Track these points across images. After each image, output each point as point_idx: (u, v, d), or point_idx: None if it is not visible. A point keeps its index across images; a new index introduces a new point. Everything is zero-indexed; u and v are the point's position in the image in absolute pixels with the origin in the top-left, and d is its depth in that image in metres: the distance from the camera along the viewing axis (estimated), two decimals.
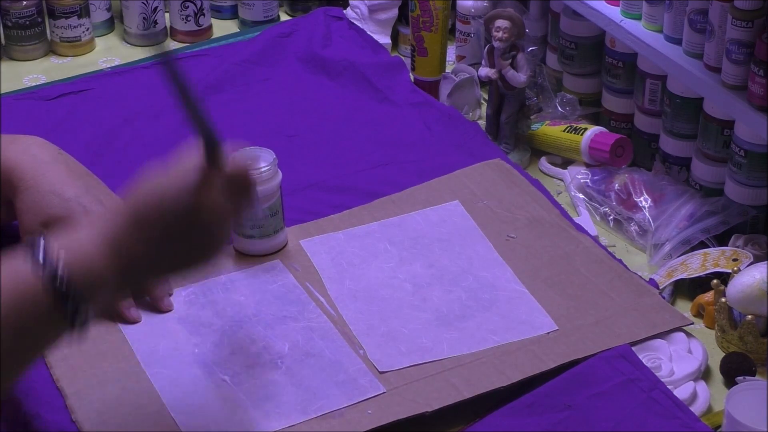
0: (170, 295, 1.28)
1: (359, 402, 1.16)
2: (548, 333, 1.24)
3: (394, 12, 1.79)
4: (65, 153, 1.31)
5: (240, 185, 1.02)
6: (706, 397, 1.19)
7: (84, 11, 1.79)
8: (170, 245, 0.99)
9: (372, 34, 1.75)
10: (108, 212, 1.01)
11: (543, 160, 1.58)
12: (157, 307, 1.27)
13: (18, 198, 1.25)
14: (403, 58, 1.74)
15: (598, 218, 1.46)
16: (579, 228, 1.39)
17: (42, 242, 0.94)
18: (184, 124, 0.98)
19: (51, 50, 1.82)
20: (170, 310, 1.27)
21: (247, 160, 1.03)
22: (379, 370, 1.19)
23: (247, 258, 1.34)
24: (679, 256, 1.36)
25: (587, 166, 1.53)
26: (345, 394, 1.16)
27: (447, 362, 1.20)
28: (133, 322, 1.25)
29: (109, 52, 1.82)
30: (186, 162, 0.99)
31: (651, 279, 1.33)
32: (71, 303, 0.93)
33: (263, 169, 1.30)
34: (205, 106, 0.98)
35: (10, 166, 1.26)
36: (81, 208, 1.24)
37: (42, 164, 1.27)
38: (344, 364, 1.20)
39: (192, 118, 0.98)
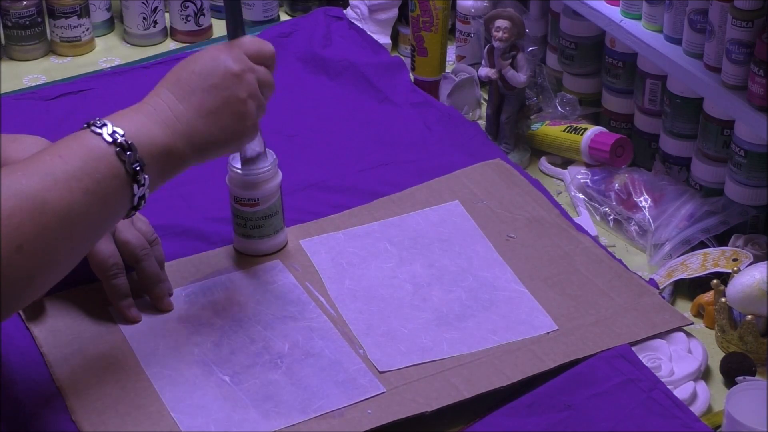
0: (170, 295, 1.28)
1: (359, 402, 1.16)
2: (548, 333, 1.24)
3: (394, 12, 1.79)
4: None
5: (260, 53, 1.17)
6: (706, 397, 1.19)
7: (84, 11, 1.79)
8: (208, 110, 1.13)
9: (372, 34, 1.75)
10: (151, 93, 1.14)
11: (543, 160, 1.58)
12: (157, 306, 1.27)
13: None
14: (403, 58, 1.74)
15: (598, 218, 1.46)
16: (579, 228, 1.39)
17: (101, 122, 1.08)
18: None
19: (51, 50, 1.82)
20: (170, 310, 1.27)
21: (266, 44, 1.19)
22: (379, 369, 1.19)
23: (247, 258, 1.34)
24: (679, 256, 1.36)
25: (587, 166, 1.53)
26: (345, 393, 1.16)
27: (447, 362, 1.20)
28: (133, 322, 1.25)
29: (109, 52, 1.82)
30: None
31: (651, 279, 1.33)
32: (138, 166, 1.07)
33: (263, 169, 1.30)
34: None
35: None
36: None
37: None
38: (344, 363, 1.20)
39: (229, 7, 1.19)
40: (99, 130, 1.07)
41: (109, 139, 1.07)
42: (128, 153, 1.07)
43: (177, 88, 1.13)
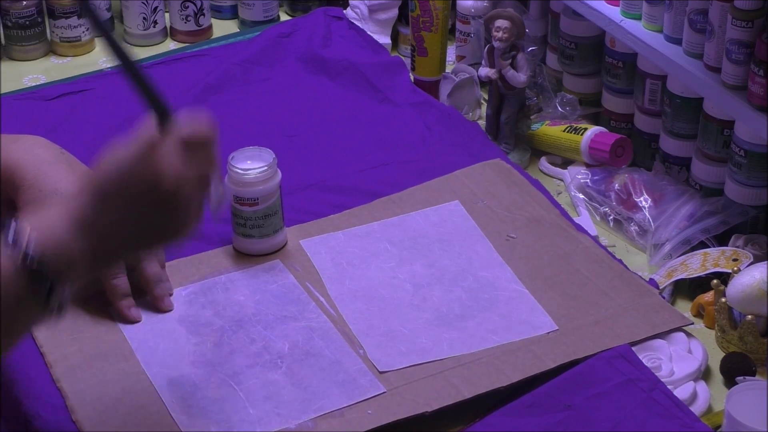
0: (170, 295, 1.28)
1: (359, 402, 1.16)
2: (548, 333, 1.24)
3: (394, 12, 1.79)
4: (67, 153, 1.31)
5: (197, 144, 0.98)
6: (706, 397, 1.19)
7: (84, 11, 1.79)
8: (137, 216, 0.97)
9: (372, 34, 1.75)
10: (75, 192, 0.99)
11: (543, 160, 1.58)
12: (157, 306, 1.27)
13: (20, 197, 1.25)
14: (403, 58, 1.74)
15: (598, 218, 1.46)
16: (579, 228, 1.39)
17: (13, 224, 0.93)
18: (134, 96, 0.99)
19: (51, 50, 1.82)
20: (170, 310, 1.27)
21: (201, 122, 0.99)
22: (379, 369, 1.19)
23: (247, 258, 1.34)
24: (679, 256, 1.36)
25: (587, 166, 1.53)
26: (345, 393, 1.16)
27: (447, 362, 1.20)
28: (133, 322, 1.25)
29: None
30: (140, 132, 0.98)
31: (651, 279, 1.33)
32: (45, 283, 0.93)
33: (263, 169, 1.30)
34: (148, 73, 0.99)
35: (12, 165, 1.26)
36: None
37: (44, 163, 1.27)
38: (344, 363, 1.20)
39: (137, 87, 0.98)
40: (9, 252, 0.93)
41: (20, 267, 0.92)
42: (41, 284, 0.93)
43: (104, 204, 0.97)
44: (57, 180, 1.26)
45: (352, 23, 1.77)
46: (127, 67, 0.98)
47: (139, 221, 0.97)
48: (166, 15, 1.86)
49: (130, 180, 0.96)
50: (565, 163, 1.57)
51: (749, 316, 1.22)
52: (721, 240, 1.37)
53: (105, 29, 1.00)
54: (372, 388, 1.17)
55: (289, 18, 1.88)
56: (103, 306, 1.26)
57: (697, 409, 1.17)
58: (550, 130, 1.57)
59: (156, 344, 1.22)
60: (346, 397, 1.16)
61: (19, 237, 0.93)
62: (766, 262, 1.26)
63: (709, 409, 1.18)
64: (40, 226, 0.94)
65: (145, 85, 0.98)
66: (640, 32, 1.46)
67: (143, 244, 1.01)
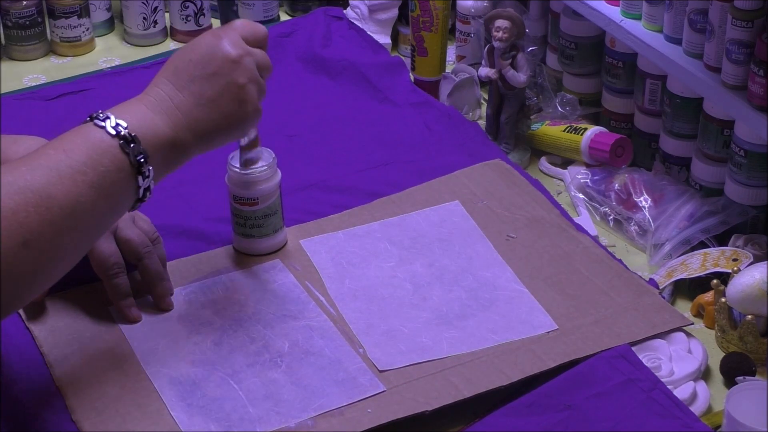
0: (171, 294, 1.28)
1: (359, 401, 1.16)
2: (548, 332, 1.24)
3: (394, 12, 1.79)
4: None
5: (255, 35, 1.16)
6: (706, 397, 1.19)
7: (84, 11, 1.79)
8: (208, 87, 1.12)
9: (372, 34, 1.75)
10: (151, 84, 1.14)
11: (543, 160, 1.58)
12: (158, 305, 1.27)
13: None
14: (403, 58, 1.74)
15: (598, 218, 1.46)
16: (579, 228, 1.39)
17: (104, 114, 1.07)
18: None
19: (51, 50, 1.82)
20: (171, 309, 1.27)
21: (256, 25, 1.18)
22: (379, 368, 1.19)
23: (247, 257, 1.34)
24: (679, 256, 1.36)
25: (587, 166, 1.53)
26: (345, 392, 1.16)
27: (447, 361, 1.20)
28: (133, 321, 1.25)
29: (109, 52, 1.82)
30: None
31: (651, 279, 1.33)
32: (138, 148, 1.07)
33: (263, 169, 1.30)
34: None
35: None
36: None
37: None
38: (344, 362, 1.20)
39: None
40: (102, 123, 1.07)
41: (113, 132, 1.06)
42: (132, 145, 1.07)
43: (175, 77, 1.13)
44: None
45: (352, 23, 1.77)
46: None
47: (211, 102, 1.12)
48: (166, 15, 1.86)
49: (199, 56, 1.12)
50: (565, 163, 1.57)
51: (749, 316, 1.22)
52: (721, 240, 1.37)
53: None
54: (372, 387, 1.17)
55: (289, 18, 1.88)
56: (103, 306, 1.26)
57: (697, 409, 1.17)
58: (550, 130, 1.57)
59: (156, 343, 1.22)
60: (345, 396, 1.16)
61: (110, 116, 1.08)
62: (766, 262, 1.26)
63: (709, 409, 1.18)
64: (125, 114, 1.09)
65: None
66: (640, 32, 1.46)
67: (217, 127, 1.13)
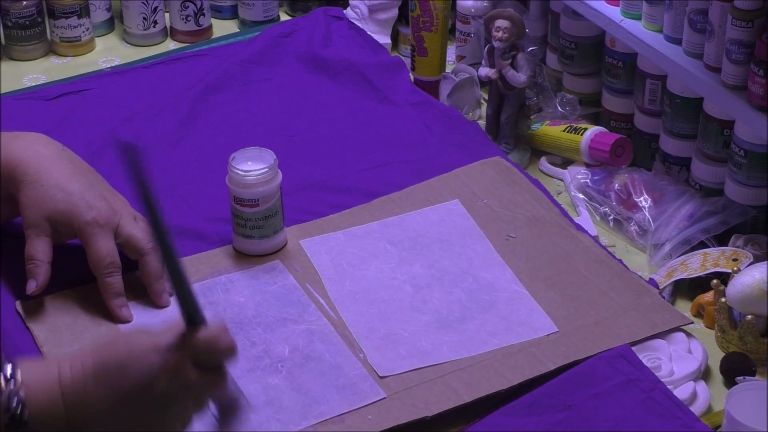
0: (171, 294, 1.28)
1: (360, 408, 1.15)
2: (548, 335, 1.24)
3: (394, 12, 1.79)
4: (68, 149, 1.32)
5: (214, 354, 1.00)
6: (706, 397, 1.19)
7: (84, 11, 1.79)
8: (129, 405, 0.98)
9: (372, 34, 1.75)
10: (78, 356, 1.00)
11: (543, 160, 1.58)
12: (156, 302, 1.27)
13: (22, 192, 1.26)
14: (403, 58, 1.74)
15: (598, 218, 1.46)
16: (579, 228, 1.39)
17: (8, 367, 0.96)
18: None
19: (51, 50, 1.82)
20: (168, 306, 1.27)
21: (221, 343, 0.99)
22: (380, 374, 1.19)
23: (246, 258, 1.34)
24: (679, 256, 1.36)
25: (587, 166, 1.53)
26: (345, 399, 1.16)
27: (447, 366, 1.20)
28: (123, 321, 1.25)
29: (109, 52, 1.82)
30: (164, 329, 1.00)
31: (651, 279, 1.33)
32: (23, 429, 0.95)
33: (263, 171, 1.30)
34: (189, 277, 0.99)
35: (14, 161, 1.27)
36: (85, 203, 1.25)
37: (46, 160, 1.27)
38: (344, 368, 1.19)
39: (177, 286, 0.99)
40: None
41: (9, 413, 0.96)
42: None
43: (107, 384, 0.98)
44: (59, 176, 1.26)
45: (352, 23, 1.77)
46: (172, 270, 0.98)
47: (129, 407, 0.98)
48: (166, 15, 1.86)
49: (136, 365, 0.97)
50: (565, 163, 1.57)
51: (749, 316, 1.22)
52: (721, 240, 1.37)
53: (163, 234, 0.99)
54: (372, 394, 1.17)
55: (289, 18, 1.88)
56: (103, 306, 1.26)
57: (697, 409, 1.17)
58: (550, 130, 1.57)
59: None
60: (346, 403, 1.15)
61: (12, 394, 0.96)
62: (766, 262, 1.26)
63: (709, 409, 1.18)
64: (31, 386, 0.96)
65: (185, 287, 0.99)
66: (640, 32, 1.46)
67: (130, 428, 0.99)
